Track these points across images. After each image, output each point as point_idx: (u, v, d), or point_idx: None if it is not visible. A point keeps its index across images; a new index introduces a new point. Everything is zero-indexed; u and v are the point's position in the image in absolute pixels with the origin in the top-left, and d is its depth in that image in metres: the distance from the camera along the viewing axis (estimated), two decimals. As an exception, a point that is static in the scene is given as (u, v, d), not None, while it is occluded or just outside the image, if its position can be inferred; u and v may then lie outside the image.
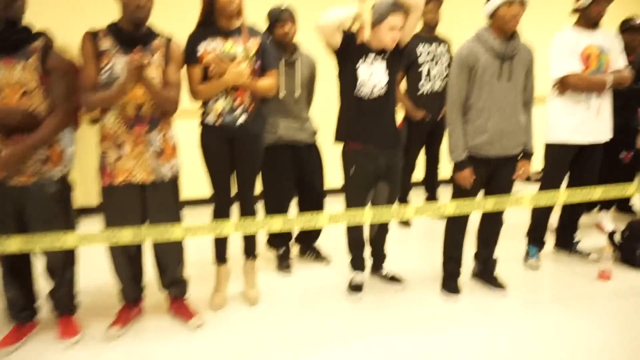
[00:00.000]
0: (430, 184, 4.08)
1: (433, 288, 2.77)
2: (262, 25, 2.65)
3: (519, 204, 2.41)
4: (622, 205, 4.02)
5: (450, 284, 2.69)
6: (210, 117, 2.35)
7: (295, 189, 3.01)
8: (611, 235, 3.22)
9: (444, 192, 4.34)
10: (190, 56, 2.28)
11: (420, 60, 3.61)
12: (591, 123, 2.80)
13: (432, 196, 4.10)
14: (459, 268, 2.70)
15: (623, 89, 2.89)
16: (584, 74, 2.72)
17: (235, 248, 2.80)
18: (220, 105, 2.32)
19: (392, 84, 2.45)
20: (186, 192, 2.57)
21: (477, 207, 2.35)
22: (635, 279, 2.85)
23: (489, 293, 2.70)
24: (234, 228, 2.06)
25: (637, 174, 3.73)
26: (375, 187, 2.59)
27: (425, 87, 3.66)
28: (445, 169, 4.06)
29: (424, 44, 3.63)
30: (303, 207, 3.10)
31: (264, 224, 2.06)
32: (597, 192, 2.45)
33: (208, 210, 2.55)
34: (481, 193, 2.58)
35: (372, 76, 2.40)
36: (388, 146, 2.51)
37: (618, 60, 2.79)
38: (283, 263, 3.04)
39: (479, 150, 2.41)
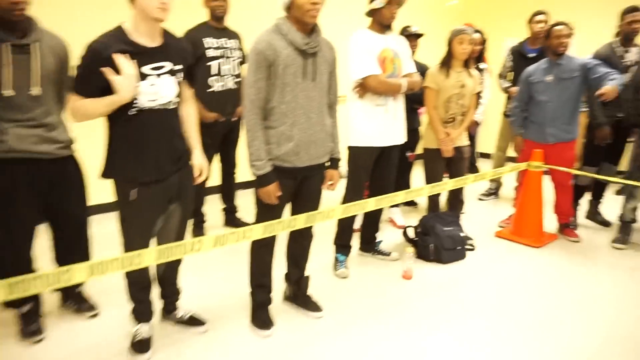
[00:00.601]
0: (228, 192, 3.61)
1: (242, 322, 2.32)
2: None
3: (330, 217, 2.17)
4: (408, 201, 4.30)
5: (260, 316, 2.28)
6: None
7: (41, 218, 2.14)
8: (405, 231, 3.33)
9: (243, 197, 3.96)
10: None
11: (208, 54, 3.10)
12: (390, 126, 2.77)
13: (229, 206, 3.63)
14: (269, 295, 2.32)
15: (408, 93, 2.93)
16: (382, 77, 2.64)
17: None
18: None
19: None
20: None
21: (287, 227, 1.99)
22: (433, 273, 2.94)
23: (304, 318, 2.39)
24: None
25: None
26: (164, 212, 1.99)
27: (215, 85, 3.16)
28: (243, 173, 3.66)
29: (212, 38, 3.13)
30: (58, 241, 2.26)
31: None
32: (399, 196, 2.46)
33: None
34: (288, 207, 2.24)
35: (159, 90, 1.82)
36: (179, 163, 1.96)
37: (408, 65, 2.79)
38: (29, 326, 2.13)
39: (284, 161, 2.04)
